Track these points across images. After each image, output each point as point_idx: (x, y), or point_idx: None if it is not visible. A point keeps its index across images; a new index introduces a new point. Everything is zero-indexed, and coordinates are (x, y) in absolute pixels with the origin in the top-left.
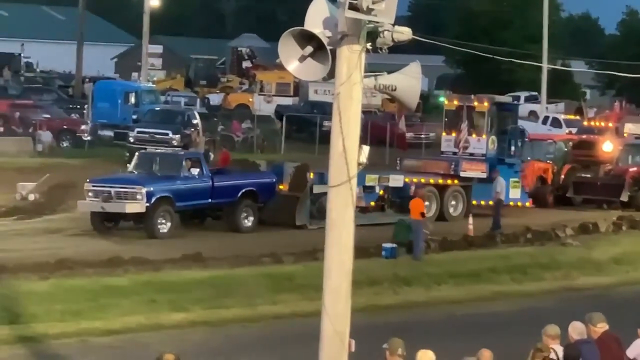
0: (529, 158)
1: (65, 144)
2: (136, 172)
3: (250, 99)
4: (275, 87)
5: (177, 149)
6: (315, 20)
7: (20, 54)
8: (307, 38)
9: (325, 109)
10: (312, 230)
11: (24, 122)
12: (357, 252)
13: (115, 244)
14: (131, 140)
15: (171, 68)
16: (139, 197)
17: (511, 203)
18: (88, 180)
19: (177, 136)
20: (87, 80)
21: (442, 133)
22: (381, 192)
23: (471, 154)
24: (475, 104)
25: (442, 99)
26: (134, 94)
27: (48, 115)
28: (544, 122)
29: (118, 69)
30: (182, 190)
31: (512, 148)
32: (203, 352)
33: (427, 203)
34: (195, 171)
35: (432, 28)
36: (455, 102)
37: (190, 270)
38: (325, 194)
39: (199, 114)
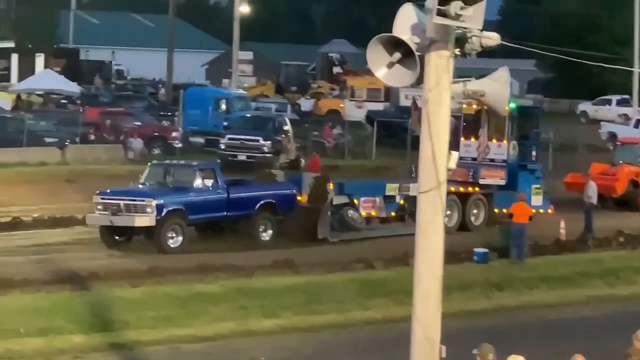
0: (620, 161)
1: (156, 151)
2: (148, 184)
3: (341, 105)
4: (366, 93)
5: (267, 155)
6: (403, 26)
7: (111, 62)
8: (395, 44)
9: None
10: (403, 236)
11: (115, 130)
12: (448, 257)
13: (204, 251)
14: (222, 146)
15: (261, 74)
16: (148, 210)
17: (533, 210)
18: (97, 192)
19: (268, 142)
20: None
21: (461, 138)
22: (402, 202)
23: (492, 160)
24: None
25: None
26: (224, 100)
27: (139, 123)
28: (636, 125)
29: (209, 76)
30: (195, 202)
31: (534, 153)
32: (294, 358)
33: (448, 212)
34: (209, 182)
35: (522, 32)
36: (474, 106)
37: (281, 276)
38: (345, 204)
39: (290, 120)
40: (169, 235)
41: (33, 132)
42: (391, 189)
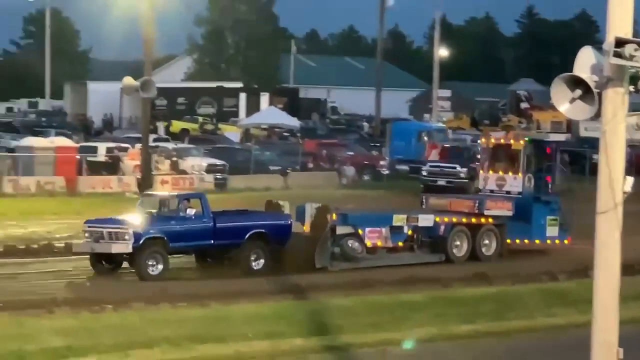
0: None
1: (366, 177)
2: (136, 214)
3: None
4: (550, 125)
5: (464, 180)
6: (583, 66)
7: (326, 99)
8: (576, 82)
9: (594, 144)
10: (584, 247)
11: (330, 159)
12: (624, 270)
13: (409, 267)
14: (424, 173)
15: (458, 110)
16: (126, 237)
17: (548, 241)
18: (85, 221)
19: (464, 169)
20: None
21: (480, 171)
22: (410, 232)
23: (507, 192)
24: (512, 141)
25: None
26: (426, 132)
27: (351, 153)
28: None
29: (412, 111)
30: (176, 231)
31: (549, 186)
32: (488, 359)
33: (457, 243)
34: (193, 212)
35: None
36: (493, 141)
37: (475, 287)
38: (346, 235)
39: None
40: (149, 262)
41: (259, 161)
42: (399, 219)
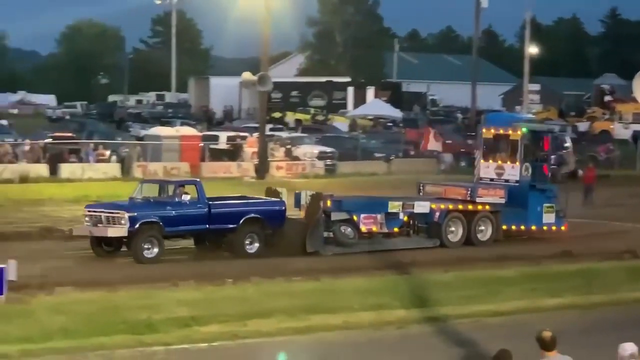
0: None
1: (462, 164)
2: (134, 199)
3: (611, 126)
4: (632, 116)
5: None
6: None
7: (426, 93)
8: None
9: None
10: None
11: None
12: None
13: (501, 247)
14: None
15: (546, 102)
16: (122, 221)
17: (544, 227)
18: (85, 205)
19: (553, 156)
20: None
21: (481, 160)
22: (405, 219)
23: (506, 180)
24: (510, 132)
25: (524, 129)
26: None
27: (449, 141)
28: None
29: (504, 104)
30: (171, 216)
31: (547, 174)
32: (574, 331)
33: (452, 229)
34: (188, 198)
35: None
36: (492, 131)
37: (562, 264)
38: (340, 221)
39: (570, 138)
40: (145, 246)
41: (365, 148)
42: (394, 206)
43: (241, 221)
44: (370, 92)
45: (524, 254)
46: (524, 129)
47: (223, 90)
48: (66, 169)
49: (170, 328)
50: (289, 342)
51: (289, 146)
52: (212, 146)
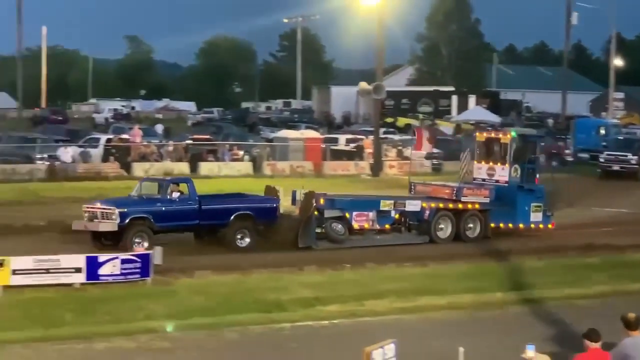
0: None
1: (554, 164)
2: (130, 196)
3: None
4: None
5: (635, 166)
6: None
7: (521, 101)
8: None
9: None
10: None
11: None
12: None
13: (588, 236)
14: (601, 160)
15: (630, 109)
16: (113, 217)
17: (532, 225)
18: (83, 203)
19: (635, 157)
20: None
21: (475, 162)
22: (397, 216)
23: (497, 181)
24: (500, 136)
25: (513, 133)
26: (603, 127)
27: (542, 143)
28: None
29: (592, 110)
30: (162, 211)
31: (535, 175)
32: None
33: (441, 226)
34: (177, 194)
35: None
36: (485, 135)
37: None
38: (332, 218)
39: None
40: (135, 240)
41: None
42: (386, 204)
43: (232, 217)
44: (472, 99)
45: (608, 243)
46: (513, 133)
47: (342, 98)
48: (205, 167)
49: (296, 307)
50: (399, 321)
51: (400, 147)
52: (332, 147)
